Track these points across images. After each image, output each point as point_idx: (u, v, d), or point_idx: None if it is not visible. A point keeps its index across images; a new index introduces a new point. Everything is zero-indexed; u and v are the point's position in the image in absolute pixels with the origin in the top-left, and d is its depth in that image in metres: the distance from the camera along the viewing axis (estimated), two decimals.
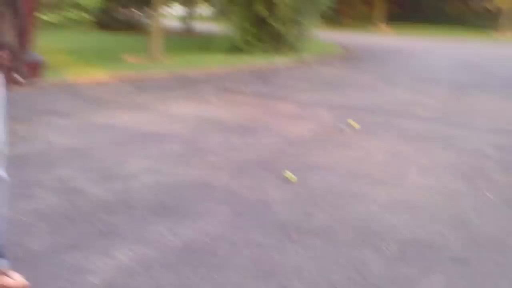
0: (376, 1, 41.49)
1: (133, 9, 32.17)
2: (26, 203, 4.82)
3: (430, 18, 41.89)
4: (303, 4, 18.28)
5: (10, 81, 3.35)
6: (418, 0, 43.38)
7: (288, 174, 5.76)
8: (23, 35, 3.37)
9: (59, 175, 5.72)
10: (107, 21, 29.78)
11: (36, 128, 7.39)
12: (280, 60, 15.78)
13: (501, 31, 34.90)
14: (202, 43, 20.70)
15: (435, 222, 4.87)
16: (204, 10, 42.24)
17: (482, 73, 15.24)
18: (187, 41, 23.56)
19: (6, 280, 3.53)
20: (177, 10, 35.94)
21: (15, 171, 3.74)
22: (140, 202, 5.03)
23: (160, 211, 4.87)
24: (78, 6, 28.81)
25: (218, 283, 3.78)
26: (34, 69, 7.81)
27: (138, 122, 8.10)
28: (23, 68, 3.38)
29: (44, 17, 23.57)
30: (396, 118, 9.14)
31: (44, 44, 12.18)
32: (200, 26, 33.58)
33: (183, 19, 33.76)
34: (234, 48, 18.00)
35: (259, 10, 17.56)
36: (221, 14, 24.64)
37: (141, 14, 31.79)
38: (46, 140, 6.81)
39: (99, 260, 4.02)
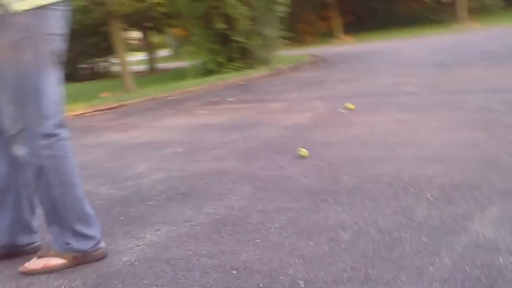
0: (333, 15, 41.62)
1: (97, 59, 32.86)
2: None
3: (387, 23, 41.89)
4: (261, 14, 18.03)
5: None
6: (371, 7, 43.44)
7: (302, 151, 5.45)
8: None
9: None
10: (72, 73, 29.65)
11: None
12: (254, 73, 15.64)
13: (461, 22, 35.02)
14: (173, 75, 20.63)
15: (470, 167, 4.65)
16: (162, 53, 43.14)
17: (456, 54, 15.19)
18: (156, 76, 23.56)
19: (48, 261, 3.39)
20: (138, 56, 36.67)
21: None
22: (155, 194, 4.85)
23: (179, 197, 4.67)
24: None
25: (260, 243, 3.56)
26: None
27: (133, 137, 7.90)
28: None
29: None
30: (390, 97, 8.94)
31: None
32: (163, 65, 33.86)
33: (146, 61, 34.17)
34: (206, 71, 17.81)
35: (220, 27, 17.31)
36: (179, 49, 24.59)
37: (106, 63, 32.60)
38: None
39: (128, 243, 3.77)
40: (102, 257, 3.49)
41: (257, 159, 5.62)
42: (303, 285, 2.91)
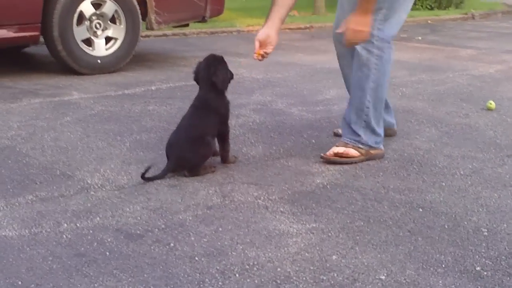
0: None
1: None
2: (235, 120, 4.83)
3: None
4: None
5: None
6: None
7: (491, 103, 5.51)
8: None
9: (259, 100, 5.89)
10: None
11: None
12: (444, 14, 15.42)
13: None
14: None
15: None
16: None
17: None
18: None
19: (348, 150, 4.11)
20: None
21: None
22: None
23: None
24: None
25: (445, 187, 3.76)
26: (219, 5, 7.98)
27: (322, 62, 8.10)
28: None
29: None
30: None
31: None
32: None
33: None
34: None
35: None
36: None
37: None
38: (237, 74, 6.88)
39: (320, 166, 4.06)
40: (382, 157, 4.18)
41: (444, 104, 5.73)
42: (486, 233, 3.08)
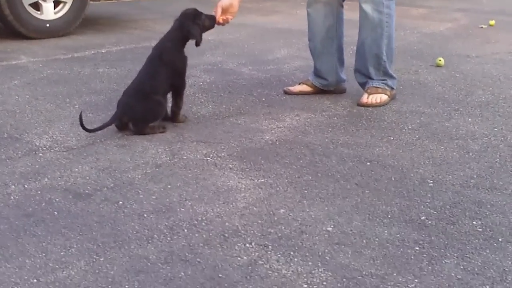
0: None
1: None
2: None
3: None
4: None
5: None
6: None
7: (440, 59, 5.56)
8: None
9: (210, 61, 5.88)
10: None
11: None
12: None
13: None
14: None
15: None
16: None
17: None
18: None
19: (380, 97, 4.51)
20: None
21: None
22: (295, 81, 5.11)
23: None
24: None
25: (393, 141, 3.82)
26: None
27: (273, 22, 8.14)
28: None
29: None
30: None
31: None
32: None
33: None
34: None
35: None
36: None
37: None
38: None
39: (270, 123, 4.07)
40: (395, 98, 4.58)
41: (395, 62, 5.73)
42: (431, 184, 3.13)
